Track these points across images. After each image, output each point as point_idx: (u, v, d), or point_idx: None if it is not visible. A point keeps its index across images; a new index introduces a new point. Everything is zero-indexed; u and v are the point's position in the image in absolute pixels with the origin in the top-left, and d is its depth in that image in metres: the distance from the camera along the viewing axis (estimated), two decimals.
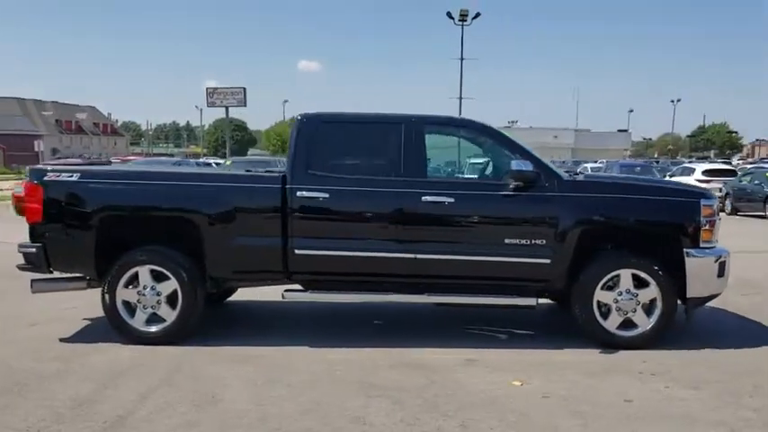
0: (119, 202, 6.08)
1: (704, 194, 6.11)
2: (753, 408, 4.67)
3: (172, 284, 6.01)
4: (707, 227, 5.95)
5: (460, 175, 7.31)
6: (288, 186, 5.97)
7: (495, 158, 6.40)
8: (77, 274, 6.31)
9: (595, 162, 38.36)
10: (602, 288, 5.95)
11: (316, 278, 6.16)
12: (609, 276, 5.94)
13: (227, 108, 39.72)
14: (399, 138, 6.06)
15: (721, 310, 7.21)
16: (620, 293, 5.94)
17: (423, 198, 5.92)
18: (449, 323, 6.91)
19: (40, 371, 5.35)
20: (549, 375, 5.30)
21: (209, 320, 6.53)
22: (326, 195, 5.95)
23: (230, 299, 7.71)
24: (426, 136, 6.13)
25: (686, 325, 6.31)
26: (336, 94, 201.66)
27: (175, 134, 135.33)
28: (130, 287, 6.06)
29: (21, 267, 6.23)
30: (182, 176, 6.53)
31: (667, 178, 22.70)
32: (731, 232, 10.58)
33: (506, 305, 6.12)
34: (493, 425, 4.35)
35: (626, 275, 5.93)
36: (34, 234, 6.09)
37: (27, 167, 6.41)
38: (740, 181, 22.47)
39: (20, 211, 6.15)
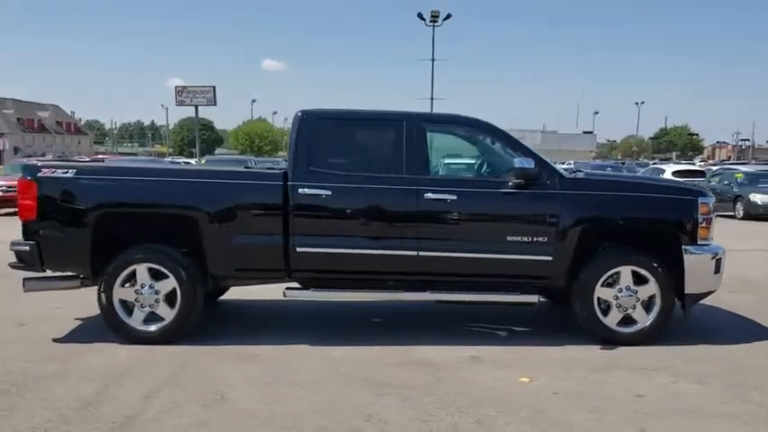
0: (115, 199, 5.96)
1: (702, 192, 6.19)
2: (759, 402, 4.73)
3: (170, 283, 5.90)
4: (704, 224, 6.03)
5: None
6: (289, 183, 5.91)
7: (496, 156, 6.40)
8: (71, 273, 6.17)
9: (563, 163, 38.73)
10: (602, 285, 5.99)
11: (317, 276, 6.10)
12: (609, 273, 5.98)
13: (196, 107, 39.06)
14: (401, 135, 6.03)
15: (710, 306, 7.30)
16: (620, 290, 5.99)
17: (425, 195, 5.90)
18: (448, 321, 6.89)
19: (38, 372, 5.21)
20: (556, 372, 5.32)
21: (203, 319, 6.42)
22: (329, 192, 5.90)
23: (221, 297, 7.61)
24: (428, 133, 6.11)
25: (682, 321, 6.38)
26: (302, 94, 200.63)
27: (140, 133, 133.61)
28: (127, 286, 5.94)
29: (13, 266, 6.08)
30: (181, 173, 6.42)
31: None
32: None
33: (508, 302, 6.13)
34: (508, 421, 4.35)
35: (626, 272, 5.98)
36: (27, 231, 5.94)
37: (21, 164, 6.25)
38: (709, 182, 22.85)
39: None
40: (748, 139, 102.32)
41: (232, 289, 7.34)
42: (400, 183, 5.96)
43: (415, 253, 5.93)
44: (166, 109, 79.38)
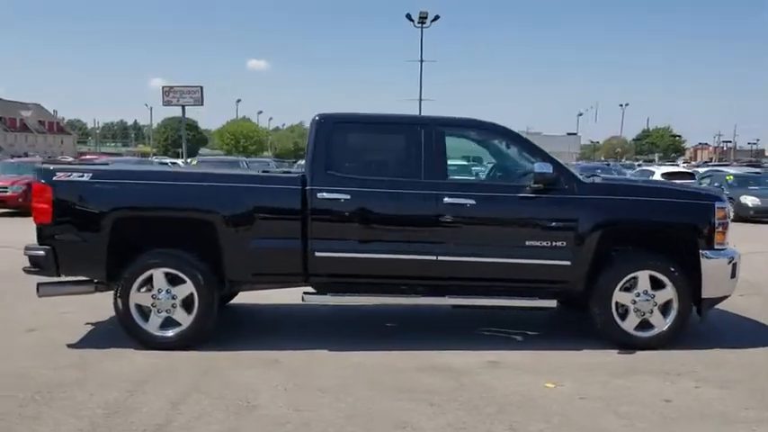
0: (132, 203, 5.90)
1: (718, 197, 6.23)
2: None
3: (188, 288, 5.85)
4: (720, 229, 6.07)
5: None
6: (308, 188, 5.88)
7: (513, 160, 6.41)
8: (85, 278, 6.10)
9: None
10: (620, 289, 6.01)
11: (334, 280, 6.07)
12: (627, 278, 6.01)
13: (183, 107, 38.97)
14: (419, 139, 6.02)
15: (722, 310, 7.33)
16: (638, 294, 6.01)
17: (444, 200, 5.89)
18: (461, 325, 6.90)
19: (58, 379, 5.15)
20: (577, 376, 5.33)
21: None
22: (347, 197, 5.88)
23: (229, 302, 7.55)
24: (446, 137, 6.11)
25: (697, 326, 6.40)
26: (287, 94, 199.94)
27: (123, 133, 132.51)
28: (143, 291, 5.89)
29: (27, 270, 6.00)
30: (199, 177, 6.36)
31: None
32: None
33: (527, 307, 6.14)
34: (541, 428, 4.35)
35: (644, 277, 6.01)
36: (42, 236, 5.87)
37: (35, 167, 6.17)
38: (699, 184, 23.03)
39: None
40: (730, 141, 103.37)
41: (240, 293, 7.29)
42: (419, 187, 5.95)
43: (434, 257, 5.92)
44: (150, 109, 79.06)
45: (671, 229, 6.17)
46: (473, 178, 6.59)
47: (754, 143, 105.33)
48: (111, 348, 5.89)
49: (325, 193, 5.87)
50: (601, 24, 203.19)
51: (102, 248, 5.80)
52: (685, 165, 53.64)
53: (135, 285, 5.84)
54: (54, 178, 5.81)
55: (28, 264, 5.98)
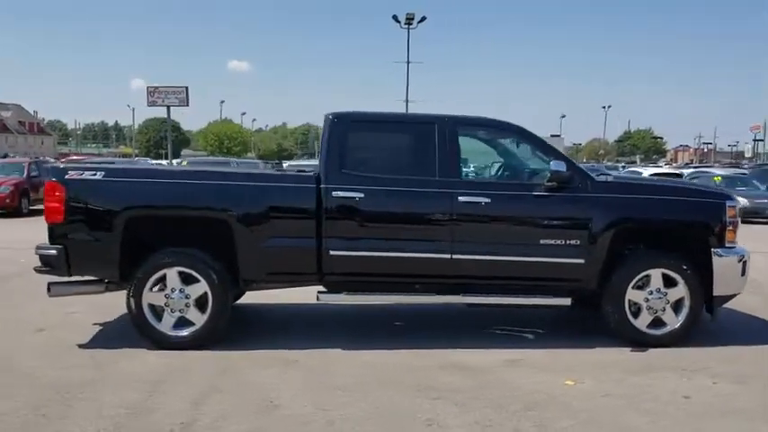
0: (146, 202, 5.85)
1: (729, 196, 6.29)
2: None
3: (202, 287, 5.81)
4: (731, 227, 6.13)
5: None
6: (322, 186, 5.86)
7: (527, 159, 6.44)
8: (96, 278, 6.04)
9: None
10: (633, 287, 6.04)
11: (349, 279, 6.05)
12: (640, 276, 6.04)
13: (168, 107, 38.59)
14: (434, 137, 6.02)
15: (728, 309, 7.39)
16: (651, 292, 6.05)
17: (459, 198, 5.90)
18: (470, 324, 6.90)
19: (74, 379, 5.08)
20: (595, 374, 5.35)
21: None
22: (362, 195, 5.86)
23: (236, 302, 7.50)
24: (460, 136, 6.11)
25: (707, 324, 6.45)
26: (270, 95, 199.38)
27: (104, 134, 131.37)
28: (156, 290, 5.83)
29: (38, 270, 5.93)
30: (213, 175, 6.31)
31: None
32: None
33: (541, 305, 6.16)
34: (567, 424, 4.35)
35: (656, 275, 6.04)
36: (54, 235, 5.81)
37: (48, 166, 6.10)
38: None
39: None
40: (710, 143, 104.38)
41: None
42: (434, 185, 5.95)
43: (448, 256, 5.92)
44: (133, 110, 78.49)
45: (683, 227, 6.22)
46: (488, 176, 6.56)
47: (734, 145, 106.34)
48: (124, 348, 5.82)
49: (339, 192, 5.85)
50: (581, 25, 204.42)
51: (116, 248, 5.75)
52: (667, 166, 54.03)
53: (148, 285, 5.79)
54: (66, 177, 5.75)
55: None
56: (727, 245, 6.12)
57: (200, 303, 5.84)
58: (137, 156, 70.38)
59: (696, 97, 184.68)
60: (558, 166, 5.88)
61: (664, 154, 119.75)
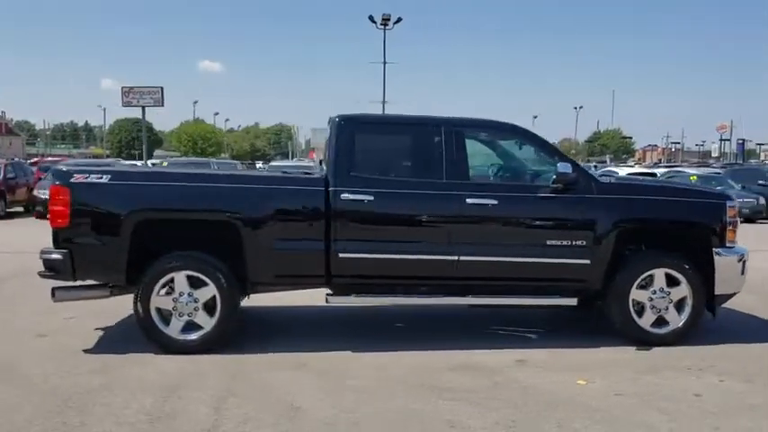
0: (153, 206, 5.81)
1: (729, 197, 6.43)
2: None
3: (210, 290, 5.77)
4: (731, 227, 6.25)
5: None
6: (331, 189, 5.86)
7: (532, 161, 6.51)
8: (100, 282, 5.98)
9: None
10: (637, 287, 6.13)
11: (357, 282, 6.06)
12: (644, 276, 6.13)
13: (143, 108, 38.27)
14: (441, 140, 6.06)
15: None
16: (654, 292, 6.14)
17: (467, 200, 5.94)
18: (472, 324, 6.95)
19: (85, 385, 5.02)
20: (605, 373, 5.42)
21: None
22: (371, 198, 5.87)
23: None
24: (466, 138, 6.16)
25: (707, 322, 6.56)
26: (242, 95, 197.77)
27: (73, 134, 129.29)
28: (163, 294, 5.79)
29: (42, 275, 5.85)
30: (222, 178, 6.28)
31: None
32: None
33: (549, 305, 6.23)
34: (586, 423, 4.41)
35: (659, 275, 6.14)
36: (59, 239, 5.73)
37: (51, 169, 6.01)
38: None
39: None
40: (678, 142, 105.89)
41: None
42: (442, 188, 5.98)
43: (456, 257, 5.96)
44: (104, 110, 77.46)
45: (686, 227, 6.33)
46: (494, 178, 6.61)
47: (701, 144, 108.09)
48: (131, 354, 5.77)
49: (348, 194, 5.86)
50: (554, 26, 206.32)
51: (123, 252, 5.69)
52: (638, 166, 54.70)
53: (156, 289, 5.74)
54: (71, 180, 5.68)
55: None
56: (727, 244, 6.23)
57: (209, 307, 5.81)
58: (108, 156, 69.38)
59: (664, 97, 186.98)
60: (564, 167, 5.94)
61: (632, 154, 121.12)
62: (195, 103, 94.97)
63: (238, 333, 6.22)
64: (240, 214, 5.78)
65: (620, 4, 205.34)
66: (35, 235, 8.68)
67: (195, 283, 5.78)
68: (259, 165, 52.65)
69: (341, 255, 5.87)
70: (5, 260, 10.54)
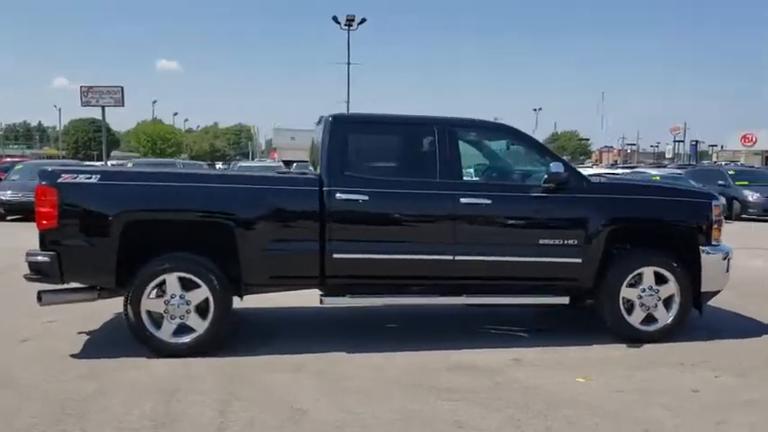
0: (145, 206, 5.68)
1: (714, 196, 6.55)
2: None
3: (203, 293, 5.67)
4: (716, 226, 6.37)
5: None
6: (325, 189, 5.80)
7: (524, 161, 6.55)
8: (87, 285, 5.83)
9: None
10: (627, 285, 6.21)
11: (351, 282, 6.01)
12: (633, 274, 6.21)
13: (103, 108, 37.50)
14: (434, 139, 6.06)
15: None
16: (644, 290, 6.23)
17: (461, 200, 5.94)
18: (463, 324, 6.97)
19: (80, 391, 4.88)
20: (601, 371, 5.47)
21: None
22: (365, 198, 5.83)
23: None
24: (459, 138, 6.17)
25: (694, 319, 6.67)
26: (200, 95, 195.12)
27: (27, 135, 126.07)
28: (154, 296, 5.66)
29: (28, 278, 5.67)
30: (215, 178, 6.18)
31: None
32: None
33: (542, 304, 6.27)
34: (595, 421, 4.44)
35: (648, 273, 6.23)
36: (46, 241, 5.57)
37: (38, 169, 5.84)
38: None
39: None
40: (634, 144, 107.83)
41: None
42: (436, 187, 5.97)
43: (450, 257, 5.96)
44: (59, 110, 75.67)
45: (674, 226, 6.42)
46: (487, 178, 6.63)
47: (656, 146, 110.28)
48: (122, 357, 5.63)
49: (343, 194, 5.81)
50: (513, 28, 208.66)
51: (112, 253, 5.55)
52: (595, 167, 55.55)
53: (147, 291, 5.62)
54: (59, 180, 5.52)
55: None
56: (713, 242, 6.35)
57: (201, 309, 5.70)
58: (64, 157, 67.80)
59: (618, 98, 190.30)
60: (557, 167, 5.99)
61: (589, 155, 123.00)
62: (155, 102, 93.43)
63: (230, 335, 6.12)
64: (233, 215, 5.69)
65: (574, 5, 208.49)
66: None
67: (187, 285, 5.67)
68: (219, 165, 52.02)
69: (335, 255, 5.82)
70: None
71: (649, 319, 6.29)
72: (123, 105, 37.20)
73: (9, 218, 17.82)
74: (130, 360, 5.58)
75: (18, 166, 20.62)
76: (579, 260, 6.09)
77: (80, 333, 6.42)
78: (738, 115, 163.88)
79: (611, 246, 6.23)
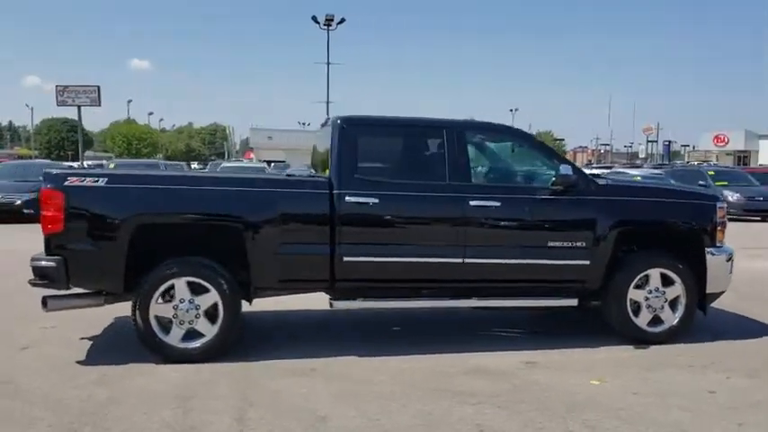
0: (153, 210, 5.59)
1: (718, 198, 6.61)
2: None
3: (212, 297, 5.59)
4: (720, 227, 6.43)
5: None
6: (335, 192, 5.76)
7: (532, 163, 6.55)
8: (93, 290, 5.73)
9: None
10: (634, 287, 6.24)
11: (361, 285, 5.97)
12: (640, 276, 6.24)
13: (79, 107, 36.98)
14: (443, 142, 6.04)
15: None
16: (650, 291, 6.26)
17: (470, 202, 5.93)
18: (465, 327, 6.96)
19: (93, 399, 4.78)
20: (615, 373, 5.48)
21: None
22: (376, 200, 5.80)
23: None
24: (467, 140, 6.16)
25: (700, 320, 6.71)
26: (174, 95, 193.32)
27: None
28: (161, 302, 5.58)
29: (33, 283, 5.55)
30: (224, 181, 6.10)
31: None
32: None
33: (551, 306, 6.28)
34: (616, 424, 4.44)
35: (655, 275, 6.26)
36: (52, 246, 5.45)
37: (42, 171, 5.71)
38: None
39: None
40: (608, 144, 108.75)
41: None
42: (446, 190, 5.96)
43: (460, 260, 5.94)
44: (31, 109, 74.53)
45: (681, 228, 6.47)
46: (496, 180, 6.62)
47: (629, 146, 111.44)
48: (129, 364, 5.53)
49: (353, 197, 5.77)
50: (484, 29, 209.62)
51: (121, 258, 5.46)
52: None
53: (155, 296, 5.53)
54: (65, 183, 5.42)
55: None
56: (717, 244, 6.41)
57: (210, 314, 5.63)
58: (36, 157, 66.72)
59: (592, 99, 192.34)
60: (566, 169, 6.00)
61: (564, 155, 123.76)
62: (129, 102, 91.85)
63: (237, 339, 6.05)
64: (243, 218, 5.63)
65: (548, 5, 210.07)
66: None
67: (196, 290, 5.59)
68: (194, 165, 51.61)
69: (345, 258, 5.78)
70: None
71: (656, 320, 6.32)
72: (100, 105, 36.67)
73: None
74: (137, 366, 5.49)
75: None
76: (587, 262, 6.11)
77: (81, 339, 6.30)
78: (710, 116, 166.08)
79: (619, 248, 6.26)
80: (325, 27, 38.98)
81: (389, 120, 6.30)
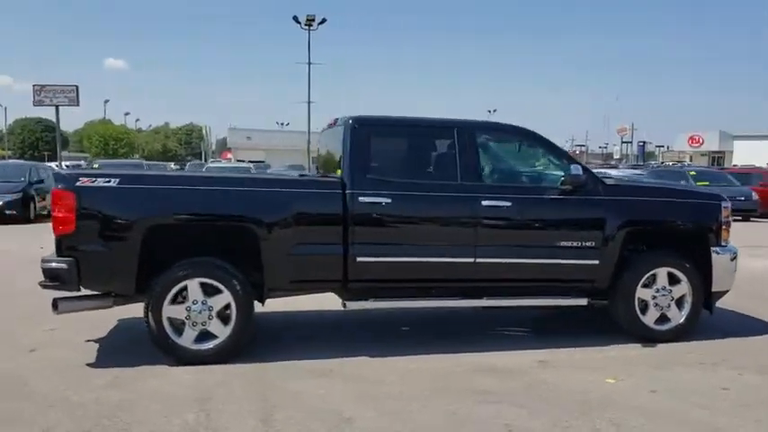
0: (168, 211, 5.53)
1: (723, 197, 6.69)
2: None
3: (225, 298, 5.54)
4: (725, 227, 6.52)
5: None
6: (348, 192, 5.74)
7: (541, 163, 6.59)
8: (103, 292, 5.65)
9: None
10: (642, 286, 6.30)
11: (374, 285, 5.96)
12: (648, 275, 6.30)
13: (57, 107, 36.46)
14: (454, 141, 6.06)
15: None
16: (657, 290, 6.32)
17: (482, 202, 5.94)
18: (473, 326, 7.00)
19: (110, 401, 4.72)
20: (628, 371, 5.52)
21: None
22: (389, 200, 5.80)
23: None
24: (478, 140, 6.18)
25: (705, 318, 6.78)
26: (150, 94, 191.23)
27: None
28: (175, 303, 5.52)
29: (43, 285, 5.47)
30: (237, 181, 6.05)
31: None
32: None
33: (561, 306, 6.32)
34: (641, 422, 4.47)
35: (662, 273, 6.33)
36: (63, 247, 5.37)
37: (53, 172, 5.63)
38: None
39: None
40: (583, 145, 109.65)
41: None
42: (458, 190, 5.97)
43: (472, 260, 5.96)
44: (5, 109, 73.34)
45: (687, 227, 6.54)
46: (507, 180, 6.63)
47: (604, 147, 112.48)
48: (141, 366, 5.46)
49: (366, 197, 5.76)
50: (468, 27, 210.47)
51: (133, 259, 5.39)
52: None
53: (168, 298, 5.47)
54: (77, 184, 5.34)
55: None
56: (722, 243, 6.49)
57: (223, 315, 5.58)
58: (10, 158, 65.69)
59: (567, 99, 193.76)
60: (576, 169, 6.05)
61: None
62: (107, 102, 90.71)
63: (249, 341, 6.01)
64: (257, 219, 5.59)
65: (525, 5, 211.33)
66: None
67: (209, 291, 5.54)
68: (171, 166, 51.05)
69: (359, 259, 5.76)
70: None
71: (663, 318, 6.38)
72: (78, 105, 36.17)
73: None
74: (150, 368, 5.43)
75: None
76: (597, 262, 6.16)
77: (88, 341, 6.22)
78: (685, 117, 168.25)
79: (628, 247, 6.31)
80: (306, 27, 38.87)
81: (401, 120, 6.30)
